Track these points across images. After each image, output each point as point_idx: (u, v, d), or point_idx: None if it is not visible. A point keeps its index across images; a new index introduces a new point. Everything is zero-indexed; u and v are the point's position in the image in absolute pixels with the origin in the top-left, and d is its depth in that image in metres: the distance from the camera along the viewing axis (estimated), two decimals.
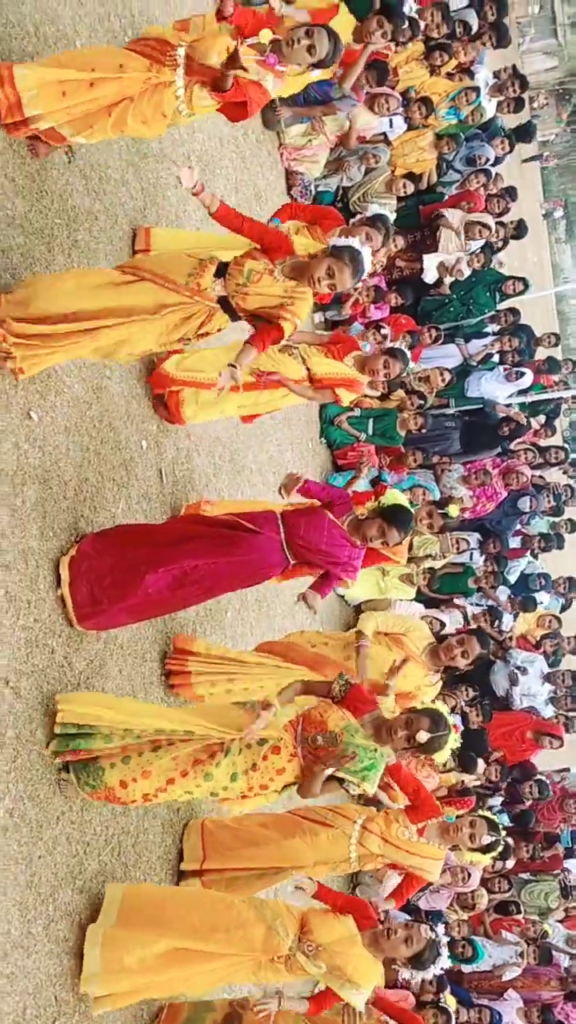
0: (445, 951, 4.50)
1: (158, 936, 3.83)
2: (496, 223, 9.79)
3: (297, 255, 4.03)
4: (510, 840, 8.53)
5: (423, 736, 3.86)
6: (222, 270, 4.03)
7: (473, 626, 8.95)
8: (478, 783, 8.08)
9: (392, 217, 8.35)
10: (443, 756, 5.89)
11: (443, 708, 5.34)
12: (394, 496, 5.06)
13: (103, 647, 4.42)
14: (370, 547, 4.44)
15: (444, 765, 6.87)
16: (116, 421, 4.79)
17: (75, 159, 4.62)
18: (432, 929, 4.42)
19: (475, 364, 9.88)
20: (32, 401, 4.08)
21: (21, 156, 4.16)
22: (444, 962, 4.45)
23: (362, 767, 3.85)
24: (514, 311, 10.65)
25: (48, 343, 3.77)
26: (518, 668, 9.76)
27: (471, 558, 9.86)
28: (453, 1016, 6.52)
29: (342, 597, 8.74)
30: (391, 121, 8.82)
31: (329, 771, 3.86)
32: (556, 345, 11.51)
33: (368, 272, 4.46)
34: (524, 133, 10.97)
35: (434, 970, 4.48)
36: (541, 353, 11.12)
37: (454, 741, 5.48)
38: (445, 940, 4.57)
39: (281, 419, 7.45)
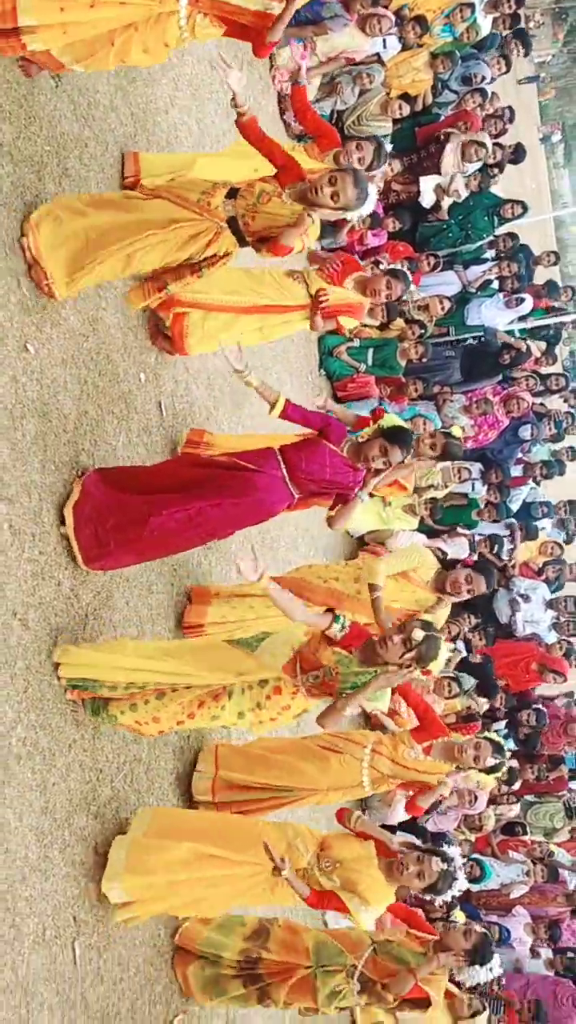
0: (461, 874, 4.58)
1: (182, 842, 3.96)
2: (493, 144, 9.59)
3: (306, 180, 4.02)
4: (515, 763, 8.68)
5: (419, 634, 3.85)
6: (233, 193, 4.11)
7: (477, 554, 8.99)
8: (483, 710, 8.20)
9: (388, 143, 8.19)
10: (438, 666, 5.94)
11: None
12: (392, 419, 5.01)
13: (109, 580, 4.44)
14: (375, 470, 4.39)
15: (449, 689, 6.96)
16: (113, 353, 4.75)
17: (62, 83, 4.50)
18: (445, 859, 4.46)
19: (474, 291, 9.76)
20: (28, 334, 4.03)
21: (8, 81, 4.06)
22: (462, 884, 4.55)
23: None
24: (512, 236, 10.49)
25: (83, 271, 3.97)
26: (521, 596, 9.83)
27: (473, 488, 9.84)
28: None
29: (344, 529, 8.75)
30: (385, 41, 8.59)
31: (351, 710, 3.91)
32: (555, 264, 11.32)
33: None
34: (520, 36, 10.61)
35: (452, 892, 4.58)
36: (540, 273, 10.97)
37: (447, 650, 5.51)
38: (460, 863, 4.65)
39: (279, 351, 7.39)
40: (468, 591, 5.73)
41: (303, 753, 4.95)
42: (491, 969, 5.35)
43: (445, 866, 4.39)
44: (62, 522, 4.05)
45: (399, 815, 6.88)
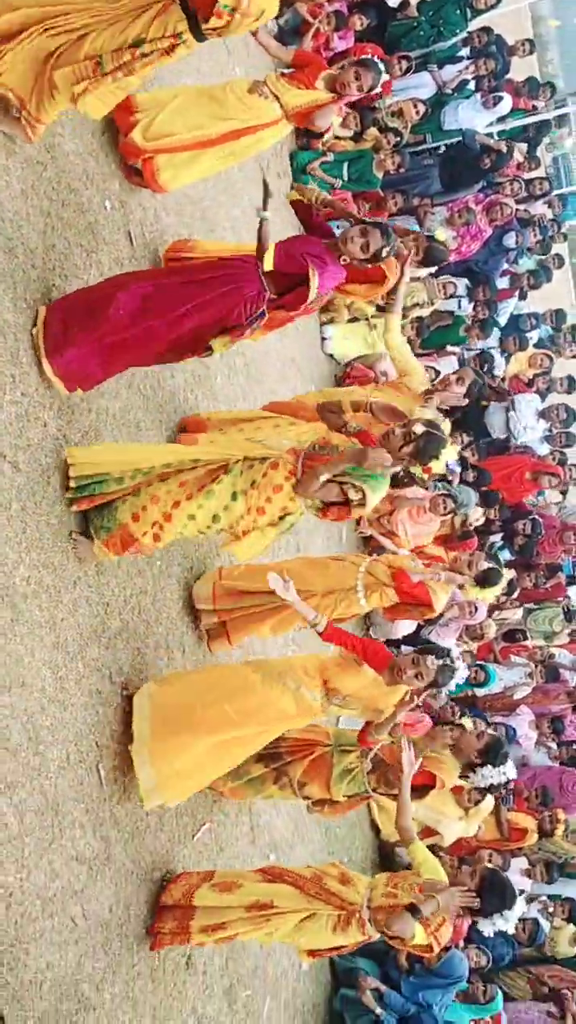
0: (460, 664, 4.74)
1: (198, 738, 4.06)
2: None
3: None
4: (512, 573, 8.89)
5: (419, 428, 3.87)
6: None
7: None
8: (478, 523, 8.31)
9: None
10: (440, 466, 6.00)
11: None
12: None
13: (96, 418, 4.40)
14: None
15: (444, 506, 7.01)
16: (75, 182, 4.53)
17: None
18: (440, 654, 4.58)
19: (450, 92, 9.27)
20: None
21: None
22: (463, 673, 4.71)
23: (363, 472, 3.91)
24: (487, 30, 9.89)
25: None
26: (523, 428, 9.79)
27: (459, 305, 9.66)
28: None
29: (331, 356, 8.65)
30: None
31: (327, 474, 3.88)
32: (531, 54, 10.68)
33: None
34: None
35: (455, 681, 4.75)
36: (517, 66, 10.37)
37: (450, 452, 5.57)
38: (457, 653, 4.83)
39: (251, 171, 7.08)
40: (458, 380, 5.77)
41: (305, 561, 5.09)
42: (504, 772, 5.64)
43: (441, 661, 4.52)
44: (35, 323, 3.96)
45: (402, 629, 7.09)
